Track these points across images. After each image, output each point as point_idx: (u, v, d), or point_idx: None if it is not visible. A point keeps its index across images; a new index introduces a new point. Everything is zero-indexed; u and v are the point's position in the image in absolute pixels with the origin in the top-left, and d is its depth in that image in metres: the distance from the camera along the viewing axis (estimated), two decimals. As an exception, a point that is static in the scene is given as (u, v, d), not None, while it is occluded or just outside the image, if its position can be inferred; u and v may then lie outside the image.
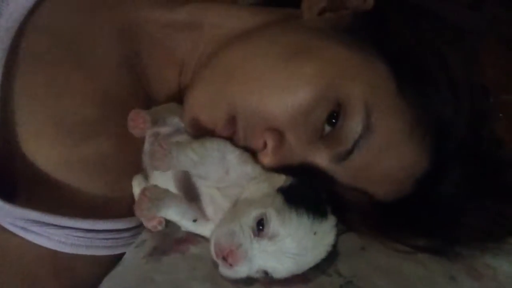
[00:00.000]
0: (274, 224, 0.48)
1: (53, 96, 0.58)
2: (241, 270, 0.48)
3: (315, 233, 0.49)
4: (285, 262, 0.48)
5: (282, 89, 0.55)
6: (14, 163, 0.57)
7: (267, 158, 0.55)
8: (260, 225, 0.48)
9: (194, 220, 0.56)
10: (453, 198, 0.59)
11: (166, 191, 0.55)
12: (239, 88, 0.58)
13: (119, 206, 0.61)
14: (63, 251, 0.57)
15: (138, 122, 0.58)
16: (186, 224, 0.57)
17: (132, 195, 0.61)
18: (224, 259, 0.48)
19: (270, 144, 0.55)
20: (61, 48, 0.60)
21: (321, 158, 0.55)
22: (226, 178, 0.55)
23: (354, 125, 0.54)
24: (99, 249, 0.59)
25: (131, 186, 0.62)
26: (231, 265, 0.48)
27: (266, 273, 0.49)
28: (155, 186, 0.55)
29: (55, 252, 0.57)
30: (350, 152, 0.55)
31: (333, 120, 0.55)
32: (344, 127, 0.54)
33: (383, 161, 0.56)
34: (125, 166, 0.62)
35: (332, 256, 0.52)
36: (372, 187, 0.57)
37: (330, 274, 0.51)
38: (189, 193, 0.58)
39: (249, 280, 0.49)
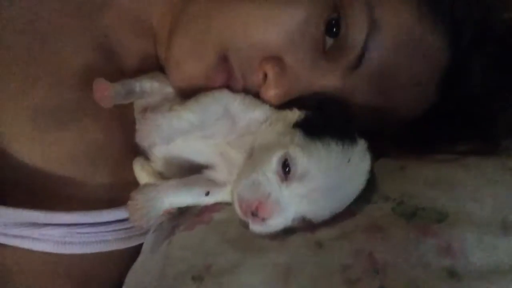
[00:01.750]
0: (300, 161, 0.42)
1: (28, 88, 0.52)
2: (276, 223, 0.42)
3: (348, 161, 0.43)
4: (323, 201, 0.42)
5: (269, 9, 0.49)
6: (2, 165, 0.51)
7: (271, 91, 0.49)
8: (285, 168, 0.42)
9: (207, 193, 0.50)
10: (481, 92, 0.53)
11: (156, 186, 0.49)
12: (223, 23, 0.51)
13: (123, 194, 0.54)
14: (68, 253, 0.51)
15: (101, 91, 0.50)
16: (200, 200, 0.51)
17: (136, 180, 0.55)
18: (254, 214, 0.42)
19: (271, 72, 0.48)
20: (26, 35, 0.54)
21: (331, 76, 0.49)
22: (234, 129, 0.49)
23: (358, 25, 0.47)
24: (110, 243, 0.53)
25: (133, 170, 0.55)
26: (263, 219, 0.42)
27: (304, 219, 0.43)
28: (144, 185, 0.50)
29: (59, 256, 0.51)
30: (360, 57, 0.48)
31: (334, 30, 0.48)
32: (349, 32, 0.48)
33: (398, 58, 0.49)
34: (121, 149, 0.56)
35: (372, 182, 0.46)
36: (395, 97, 0.51)
37: (375, 201, 0.45)
38: (195, 164, 0.51)
39: (288, 231, 0.43)
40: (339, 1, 0.48)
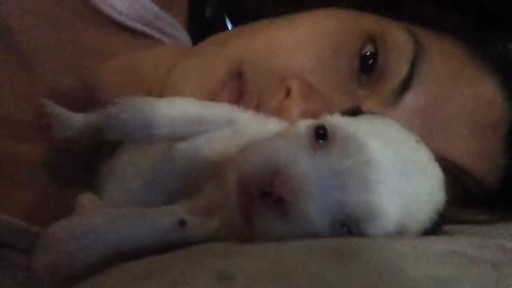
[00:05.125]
0: (343, 125, 0.29)
1: None
2: (304, 213, 0.27)
3: (416, 141, 0.31)
4: (379, 191, 0.28)
5: (298, 36, 0.46)
6: None
7: (295, 106, 0.41)
8: (319, 135, 0.30)
9: (182, 223, 0.34)
10: None
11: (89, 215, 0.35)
12: (241, 42, 0.48)
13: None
14: None
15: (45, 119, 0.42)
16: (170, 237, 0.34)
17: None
18: (265, 194, 0.27)
19: (296, 88, 0.42)
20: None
21: (370, 103, 0.43)
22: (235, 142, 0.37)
23: (401, 49, 0.44)
24: None
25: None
26: (282, 203, 0.26)
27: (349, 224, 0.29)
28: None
29: None
30: (406, 83, 0.43)
31: (370, 62, 0.44)
32: (389, 57, 0.44)
33: (449, 88, 0.44)
34: (64, 175, 0.47)
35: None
36: (452, 138, 0.44)
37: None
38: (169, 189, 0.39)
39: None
40: (375, 30, 0.45)
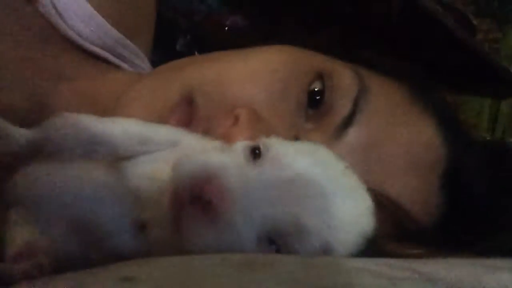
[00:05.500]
0: (277, 146, 0.31)
1: None
2: (231, 225, 0.27)
3: (346, 167, 0.33)
4: (306, 206, 0.29)
5: (250, 69, 0.48)
6: None
7: (241, 132, 0.42)
8: (254, 153, 0.32)
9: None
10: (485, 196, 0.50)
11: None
12: (195, 70, 0.50)
13: None
14: None
15: None
16: None
17: None
18: (196, 199, 0.27)
19: (244, 115, 0.44)
20: None
21: (315, 135, 0.45)
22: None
23: (346, 88, 0.47)
24: None
25: None
26: (211, 208, 0.27)
27: (276, 240, 0.30)
28: None
29: None
30: (348, 121, 0.45)
31: (317, 98, 0.47)
32: (335, 96, 0.46)
33: (389, 129, 0.47)
34: None
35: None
36: (392, 177, 0.46)
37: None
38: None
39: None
40: (323, 68, 0.47)
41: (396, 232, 0.46)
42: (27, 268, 0.31)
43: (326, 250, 0.31)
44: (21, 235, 0.34)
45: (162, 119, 0.46)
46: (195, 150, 0.34)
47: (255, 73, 0.48)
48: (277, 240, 0.30)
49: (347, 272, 0.25)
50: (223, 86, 0.47)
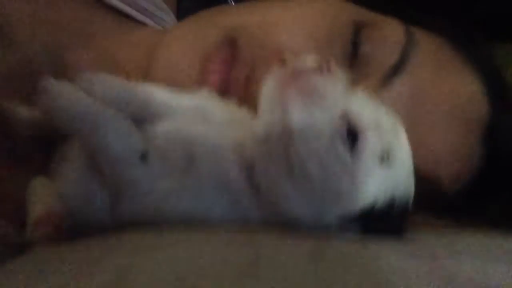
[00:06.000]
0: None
1: None
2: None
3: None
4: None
5: (293, 11, 0.48)
6: None
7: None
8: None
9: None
10: None
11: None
12: (238, 13, 0.49)
13: None
14: None
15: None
16: None
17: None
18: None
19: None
20: None
21: (364, 82, 0.44)
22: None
23: (394, 37, 0.46)
24: None
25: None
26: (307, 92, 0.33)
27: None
28: None
29: None
30: (396, 68, 0.44)
31: (361, 46, 0.46)
32: (381, 44, 0.46)
33: (435, 84, 0.46)
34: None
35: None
36: (428, 129, 0.44)
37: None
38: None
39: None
40: (369, 19, 0.48)
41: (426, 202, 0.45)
42: (48, 232, 0.32)
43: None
44: (40, 204, 0.35)
45: (206, 58, 0.45)
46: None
47: (300, 18, 0.48)
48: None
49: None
50: (267, 28, 0.46)
